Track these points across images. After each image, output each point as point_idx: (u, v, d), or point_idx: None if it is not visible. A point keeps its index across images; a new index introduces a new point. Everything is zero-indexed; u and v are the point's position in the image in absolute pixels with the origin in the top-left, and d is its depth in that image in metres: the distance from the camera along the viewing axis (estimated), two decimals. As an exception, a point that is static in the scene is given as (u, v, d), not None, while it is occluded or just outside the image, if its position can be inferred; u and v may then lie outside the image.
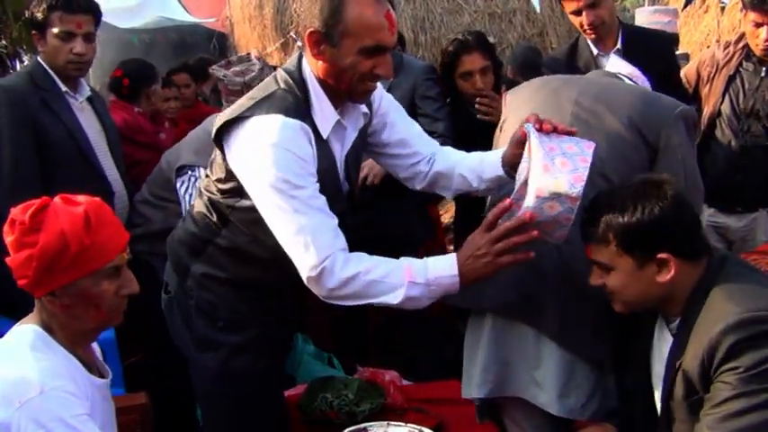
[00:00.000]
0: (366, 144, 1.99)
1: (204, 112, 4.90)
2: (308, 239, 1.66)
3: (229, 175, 1.79)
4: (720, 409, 1.42)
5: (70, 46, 2.58)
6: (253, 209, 1.75)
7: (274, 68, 2.42)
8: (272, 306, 1.98)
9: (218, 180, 1.84)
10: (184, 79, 4.71)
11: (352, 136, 1.90)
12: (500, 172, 1.89)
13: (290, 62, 1.82)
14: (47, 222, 1.49)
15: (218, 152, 1.84)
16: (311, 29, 1.67)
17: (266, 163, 1.65)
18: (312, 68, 1.75)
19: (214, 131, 1.77)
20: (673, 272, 1.54)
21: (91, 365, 1.64)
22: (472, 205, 2.30)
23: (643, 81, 2.21)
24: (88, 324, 1.59)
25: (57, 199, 1.54)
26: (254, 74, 2.43)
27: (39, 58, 2.68)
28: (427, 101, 2.85)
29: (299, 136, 1.68)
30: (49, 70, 2.62)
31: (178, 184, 2.57)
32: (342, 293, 1.69)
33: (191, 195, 2.49)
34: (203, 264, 1.93)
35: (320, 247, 1.66)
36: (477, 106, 2.70)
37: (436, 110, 2.86)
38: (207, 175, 1.94)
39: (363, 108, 1.89)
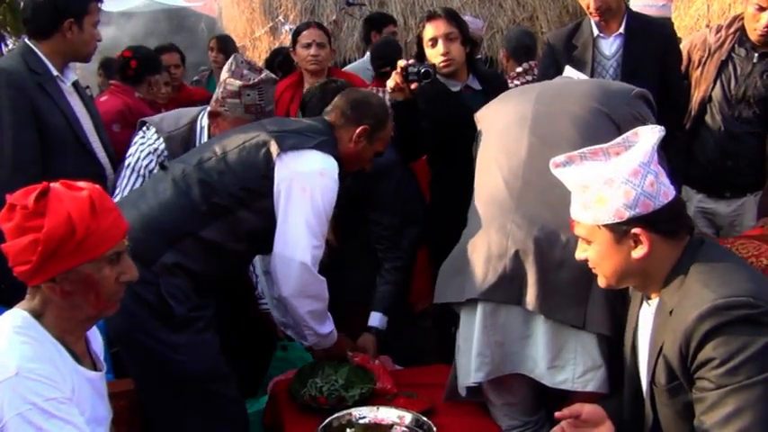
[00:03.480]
0: None
1: (192, 94, 4.85)
2: (312, 242, 2.17)
3: (264, 180, 2.15)
4: (717, 413, 1.42)
5: (97, 33, 2.70)
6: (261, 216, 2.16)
7: (275, 82, 2.58)
8: (214, 293, 2.25)
9: (249, 180, 2.16)
10: (175, 59, 4.65)
11: None
12: None
13: (325, 124, 2.32)
14: (51, 207, 1.46)
15: (252, 152, 2.17)
16: (365, 126, 2.31)
17: (320, 182, 2.18)
18: (341, 143, 2.30)
19: (276, 150, 2.15)
20: (647, 249, 1.55)
21: (82, 357, 1.62)
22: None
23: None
24: (86, 311, 1.58)
25: (57, 184, 1.52)
26: (252, 81, 2.44)
27: (28, 42, 2.64)
28: None
29: (336, 184, 2.24)
30: (40, 54, 2.60)
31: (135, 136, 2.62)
32: (304, 291, 2.18)
33: (135, 150, 2.55)
34: (178, 253, 2.09)
35: (315, 254, 2.18)
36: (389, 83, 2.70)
37: None
38: (214, 169, 2.16)
39: None
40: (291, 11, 6.14)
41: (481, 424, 2.12)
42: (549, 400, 2.09)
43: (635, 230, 1.55)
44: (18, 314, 1.53)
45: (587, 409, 1.76)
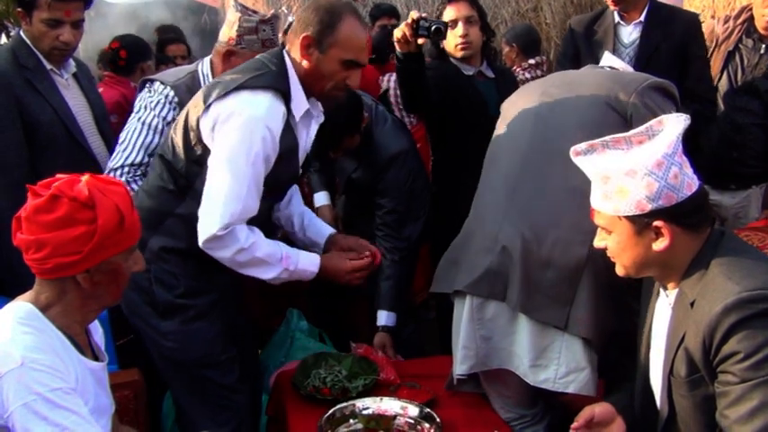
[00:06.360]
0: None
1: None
2: (236, 206, 1.92)
3: (201, 143, 1.98)
4: (742, 407, 1.41)
5: (57, 33, 2.51)
6: None
7: (269, 20, 2.49)
8: (226, 270, 2.07)
9: (189, 148, 2.02)
10: (181, 50, 4.59)
11: (314, 127, 2.19)
12: (318, 243, 2.36)
13: (274, 51, 2.08)
14: (98, 199, 1.49)
15: (190, 122, 2.01)
16: (306, 33, 1.98)
17: (248, 129, 1.90)
18: (295, 65, 2.03)
19: (209, 101, 1.95)
20: (668, 241, 1.53)
21: (85, 348, 1.64)
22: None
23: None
24: (104, 300, 1.62)
25: (87, 177, 1.54)
26: (266, 17, 2.46)
27: (22, 35, 2.58)
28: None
29: (278, 116, 1.96)
30: (33, 48, 2.54)
31: (139, 94, 2.57)
32: (236, 259, 1.99)
33: (142, 104, 2.49)
34: (162, 236, 2.09)
35: (239, 216, 1.95)
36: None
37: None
38: (167, 150, 2.07)
39: (320, 106, 2.19)
40: (295, 1, 6.11)
41: (484, 415, 2.13)
42: (546, 395, 2.09)
43: (657, 223, 1.52)
44: (21, 306, 1.54)
45: (598, 410, 1.76)
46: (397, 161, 2.68)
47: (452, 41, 2.84)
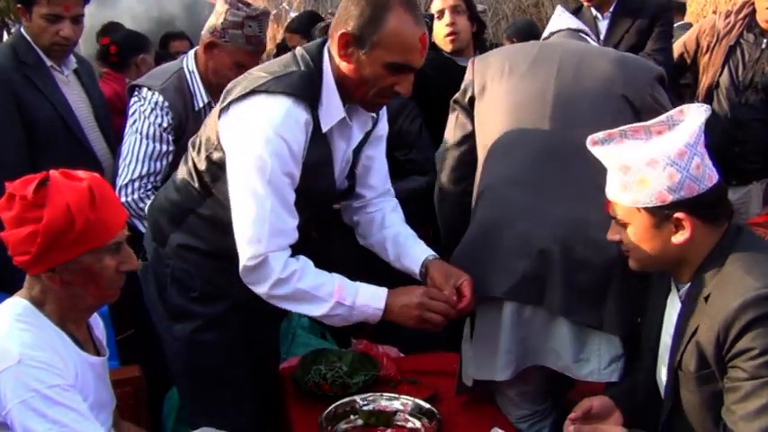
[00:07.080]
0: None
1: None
2: (262, 229, 1.70)
3: (220, 145, 1.82)
4: (750, 404, 1.39)
5: (57, 28, 2.52)
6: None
7: (269, 15, 2.47)
8: (232, 287, 1.95)
9: (211, 148, 1.86)
10: (185, 46, 4.53)
11: (358, 136, 1.93)
12: (414, 272, 2.00)
13: (313, 46, 1.83)
14: (51, 197, 1.47)
15: (212, 121, 1.86)
16: (343, 30, 1.68)
17: (260, 141, 1.67)
18: (333, 65, 1.76)
19: (228, 100, 1.76)
20: (689, 234, 1.51)
21: (85, 343, 1.63)
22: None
23: (590, 35, 2.33)
24: (86, 300, 1.59)
25: (56, 173, 1.52)
26: (254, 13, 2.40)
27: (22, 31, 2.59)
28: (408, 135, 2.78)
29: (298, 125, 1.70)
30: (33, 44, 2.54)
31: (129, 104, 2.53)
32: (273, 293, 1.76)
33: (136, 113, 2.45)
34: (183, 233, 1.98)
35: (270, 240, 1.71)
36: None
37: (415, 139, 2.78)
38: (196, 144, 1.96)
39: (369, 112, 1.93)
40: (297, -3, 6.10)
41: (485, 411, 2.12)
42: (555, 391, 2.09)
43: (678, 215, 1.50)
44: (19, 303, 1.54)
45: (596, 402, 1.75)
46: (406, 110, 2.69)
47: (441, 32, 2.86)
